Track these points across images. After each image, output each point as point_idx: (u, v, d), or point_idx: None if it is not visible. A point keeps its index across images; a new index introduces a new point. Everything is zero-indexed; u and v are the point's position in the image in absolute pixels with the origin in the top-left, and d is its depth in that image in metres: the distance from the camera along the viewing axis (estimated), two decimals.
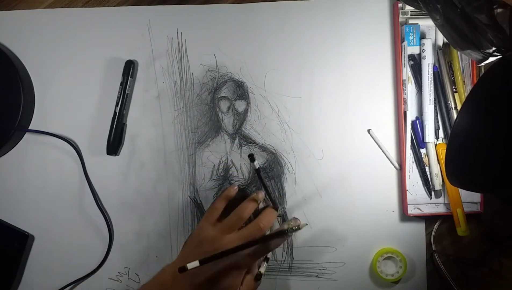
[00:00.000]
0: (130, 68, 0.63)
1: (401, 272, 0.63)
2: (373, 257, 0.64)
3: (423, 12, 0.56)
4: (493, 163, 0.47)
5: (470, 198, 0.63)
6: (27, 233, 0.64)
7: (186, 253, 0.58)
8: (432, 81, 0.62)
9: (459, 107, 0.62)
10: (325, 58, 0.65)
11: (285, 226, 0.55)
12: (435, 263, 0.64)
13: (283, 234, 0.55)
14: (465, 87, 0.63)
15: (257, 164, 0.54)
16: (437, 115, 0.63)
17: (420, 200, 0.64)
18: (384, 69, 0.65)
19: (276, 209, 0.60)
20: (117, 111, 0.63)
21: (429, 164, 0.64)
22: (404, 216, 0.64)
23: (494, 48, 0.49)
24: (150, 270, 0.65)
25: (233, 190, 0.62)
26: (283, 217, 0.65)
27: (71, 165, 0.65)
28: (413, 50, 0.63)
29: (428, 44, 0.62)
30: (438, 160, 0.63)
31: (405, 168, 0.63)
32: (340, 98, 0.65)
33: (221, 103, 0.65)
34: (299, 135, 0.65)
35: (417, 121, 0.64)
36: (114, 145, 0.64)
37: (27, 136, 0.65)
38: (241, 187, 0.64)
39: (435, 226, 0.64)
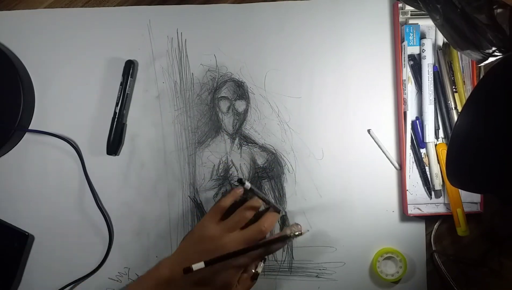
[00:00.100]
0: (130, 68, 0.63)
1: (401, 272, 0.63)
2: (373, 257, 0.64)
3: (423, 12, 0.56)
4: (493, 163, 0.48)
5: (470, 198, 0.63)
6: (27, 233, 0.64)
7: (186, 248, 0.58)
8: (432, 81, 0.62)
9: (459, 107, 0.62)
10: (325, 58, 0.65)
11: (287, 232, 0.56)
12: (435, 263, 0.64)
13: (284, 239, 0.55)
14: (465, 87, 0.63)
15: (248, 185, 0.54)
16: (437, 115, 0.63)
17: (420, 200, 0.64)
18: (384, 69, 0.65)
19: (278, 213, 0.60)
20: (117, 111, 0.63)
21: (429, 164, 0.64)
22: (404, 216, 0.64)
23: (494, 48, 0.49)
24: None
25: (240, 191, 0.62)
26: (284, 218, 0.65)
27: (71, 165, 0.65)
28: (413, 50, 0.63)
29: (428, 44, 0.62)
30: (438, 160, 0.63)
31: (405, 168, 0.63)
32: (340, 98, 0.65)
33: (221, 103, 0.65)
34: (299, 135, 0.65)
35: (417, 121, 0.64)
36: (114, 145, 0.64)
37: (27, 136, 0.65)
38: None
39: (435, 226, 0.64)
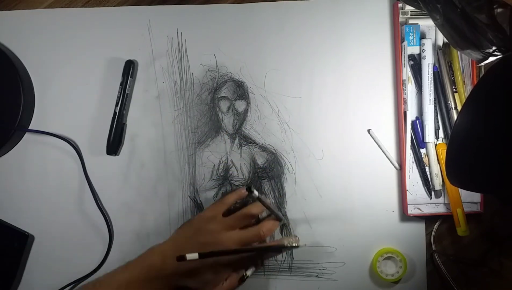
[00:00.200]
0: (130, 68, 0.63)
1: (401, 272, 0.63)
2: (373, 257, 0.64)
3: (423, 12, 0.56)
4: (493, 163, 0.48)
5: (470, 198, 0.63)
6: (27, 233, 0.64)
7: (181, 238, 0.57)
8: (432, 81, 0.62)
9: (459, 107, 0.62)
10: (325, 58, 0.65)
11: (285, 241, 0.57)
12: (435, 263, 0.64)
13: (280, 248, 0.56)
14: (465, 87, 0.63)
15: (256, 193, 0.54)
16: (437, 115, 0.63)
17: (420, 200, 0.64)
18: (384, 69, 0.65)
19: (279, 221, 0.60)
20: (117, 111, 0.63)
21: (429, 164, 0.64)
22: (404, 216, 0.64)
23: (494, 48, 0.49)
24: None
25: (245, 192, 0.62)
26: (284, 216, 0.65)
27: (71, 165, 0.65)
28: (413, 50, 0.63)
29: (428, 44, 0.62)
30: (438, 160, 0.63)
31: (405, 168, 0.63)
32: (340, 98, 0.65)
33: (221, 103, 0.65)
34: (299, 135, 0.65)
35: (417, 121, 0.64)
36: (114, 145, 0.64)
37: (27, 136, 0.65)
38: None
39: (435, 226, 0.64)
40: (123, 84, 0.63)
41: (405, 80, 0.63)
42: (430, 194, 0.64)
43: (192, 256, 0.51)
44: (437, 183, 0.63)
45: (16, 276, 0.64)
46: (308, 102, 0.65)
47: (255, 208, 0.59)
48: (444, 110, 0.63)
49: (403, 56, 0.63)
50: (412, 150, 0.64)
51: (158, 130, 0.65)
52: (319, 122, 0.65)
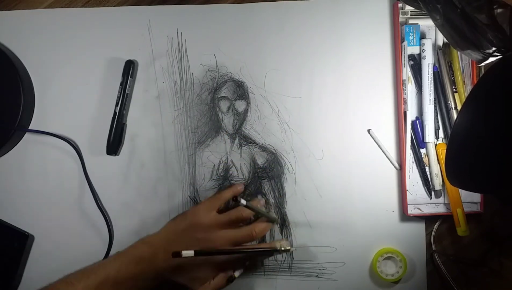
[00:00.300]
0: (130, 68, 0.63)
1: (401, 272, 0.63)
2: (373, 257, 0.64)
3: (423, 12, 0.56)
4: (493, 163, 0.48)
5: (470, 198, 0.63)
6: (27, 233, 0.64)
7: (173, 231, 0.57)
8: (432, 81, 0.62)
9: (459, 107, 0.62)
10: (325, 58, 0.65)
11: (277, 245, 0.58)
12: (435, 263, 0.64)
13: (272, 252, 0.57)
14: (465, 87, 0.63)
15: (244, 202, 0.55)
16: (437, 115, 0.63)
17: (420, 200, 0.64)
18: (384, 69, 0.65)
19: (273, 222, 0.61)
20: (117, 111, 0.63)
21: (429, 164, 0.64)
22: (404, 216, 0.64)
23: (494, 48, 0.49)
24: None
25: (240, 188, 0.63)
26: (284, 218, 0.65)
27: (71, 165, 0.65)
28: (413, 50, 0.63)
29: (428, 44, 0.62)
30: (438, 160, 0.63)
31: (405, 168, 0.63)
32: (340, 98, 0.65)
33: (221, 103, 0.65)
34: (299, 135, 0.65)
35: (417, 121, 0.64)
36: (114, 145, 0.64)
37: (27, 136, 0.65)
38: (251, 185, 0.65)
39: (435, 226, 0.64)
40: (123, 84, 0.63)
41: (405, 80, 0.63)
42: (430, 194, 0.64)
43: (188, 253, 0.51)
44: (437, 183, 0.63)
45: (16, 276, 0.64)
46: (308, 102, 0.65)
47: (248, 210, 0.59)
48: (444, 110, 0.63)
49: (403, 56, 0.63)
50: (412, 150, 0.64)
51: (158, 130, 0.65)
52: (319, 122, 0.65)
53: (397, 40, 0.64)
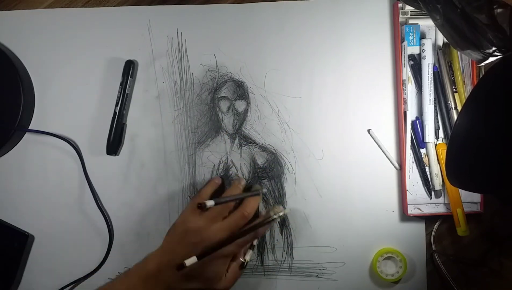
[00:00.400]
0: (130, 68, 0.63)
1: (401, 272, 0.63)
2: (373, 257, 0.64)
3: (423, 12, 0.56)
4: (493, 163, 0.48)
5: (470, 198, 0.63)
6: (27, 233, 0.64)
7: (172, 243, 0.57)
8: (432, 81, 0.62)
9: (459, 107, 0.62)
10: (325, 58, 0.65)
11: (271, 213, 0.57)
12: (435, 263, 0.64)
13: (269, 221, 0.56)
14: (465, 87, 0.63)
15: (212, 203, 0.55)
16: (437, 115, 0.63)
17: (420, 200, 0.64)
18: (384, 69, 0.65)
19: (258, 195, 0.60)
20: (117, 111, 0.63)
21: (429, 164, 0.64)
22: (404, 216, 0.64)
23: (494, 48, 0.49)
24: None
25: (218, 180, 0.63)
26: (284, 218, 0.65)
27: (71, 165, 0.65)
28: (413, 50, 0.63)
29: (428, 44, 0.62)
30: (438, 160, 0.63)
31: (405, 168, 0.63)
32: (340, 98, 0.65)
33: (221, 103, 0.65)
34: (299, 135, 0.65)
35: (417, 121, 0.64)
36: (114, 145, 0.64)
37: (27, 136, 0.65)
38: (222, 175, 0.65)
39: (435, 226, 0.64)
40: (123, 84, 0.63)
41: (405, 80, 0.63)
42: (430, 194, 0.64)
43: (191, 261, 0.51)
44: (437, 183, 0.63)
45: (16, 276, 0.64)
46: (308, 102, 0.65)
47: (231, 193, 0.60)
48: (444, 110, 0.63)
49: (403, 56, 0.63)
50: (412, 150, 0.64)
51: (158, 130, 0.65)
52: (319, 122, 0.65)
53: (397, 40, 0.64)
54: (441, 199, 0.64)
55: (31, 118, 0.65)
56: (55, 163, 0.65)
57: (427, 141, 0.63)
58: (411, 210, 0.64)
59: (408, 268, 0.64)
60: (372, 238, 0.65)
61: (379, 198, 0.65)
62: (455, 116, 0.62)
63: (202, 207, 0.53)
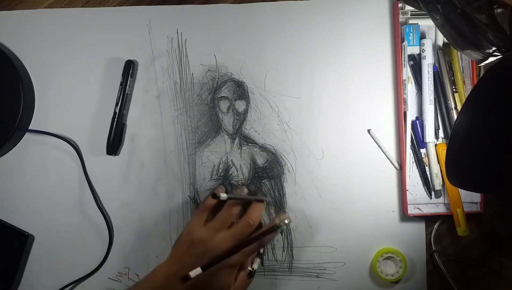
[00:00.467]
0: (130, 68, 0.63)
1: (401, 272, 0.63)
2: (373, 257, 0.64)
3: (423, 12, 0.56)
4: (493, 163, 0.48)
5: (470, 198, 0.63)
6: (27, 233, 0.64)
7: (178, 254, 0.57)
8: (432, 81, 0.62)
9: (459, 107, 0.62)
10: (325, 58, 0.65)
11: (277, 221, 0.57)
12: (435, 263, 0.64)
13: (275, 229, 0.56)
14: (465, 87, 0.63)
15: (224, 196, 0.55)
16: (437, 115, 0.63)
17: (420, 200, 0.64)
18: (384, 69, 0.65)
19: (262, 202, 0.60)
20: (117, 111, 0.63)
21: (429, 164, 0.64)
22: (404, 216, 0.64)
23: (494, 48, 0.49)
24: (150, 270, 0.64)
25: (222, 190, 0.63)
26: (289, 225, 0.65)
27: (71, 165, 0.65)
28: (413, 50, 0.63)
29: (428, 44, 0.62)
30: (438, 160, 0.63)
31: (405, 168, 0.63)
32: (340, 98, 0.65)
33: (221, 103, 0.65)
34: (299, 135, 0.65)
35: (417, 121, 0.64)
36: (114, 145, 0.64)
37: (27, 136, 0.65)
38: (222, 176, 0.65)
39: (435, 226, 0.64)
40: (123, 84, 0.63)
41: (405, 80, 0.63)
42: (430, 194, 0.64)
43: (195, 272, 0.51)
44: (437, 183, 0.63)
45: (16, 276, 0.64)
46: (308, 102, 0.65)
47: (235, 207, 0.59)
48: (444, 110, 0.63)
49: (403, 56, 0.63)
50: (412, 150, 0.64)
51: (158, 130, 0.65)
52: (319, 122, 0.65)
53: (397, 40, 0.64)
54: (441, 199, 0.64)
55: (31, 118, 0.65)
56: (55, 163, 0.65)
57: (427, 141, 0.63)
58: (411, 210, 0.64)
59: (408, 268, 0.64)
60: (372, 238, 0.65)
61: (379, 198, 0.65)
62: (455, 116, 0.62)
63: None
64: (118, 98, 0.63)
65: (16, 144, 0.65)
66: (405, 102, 0.63)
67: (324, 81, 0.65)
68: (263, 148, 0.65)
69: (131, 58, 0.64)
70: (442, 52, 0.63)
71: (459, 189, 0.62)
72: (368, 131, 0.65)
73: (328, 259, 0.65)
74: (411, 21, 0.63)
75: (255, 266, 0.59)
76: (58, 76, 0.65)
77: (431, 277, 0.65)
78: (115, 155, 0.65)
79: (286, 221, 0.56)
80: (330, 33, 0.65)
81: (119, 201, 0.65)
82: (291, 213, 0.65)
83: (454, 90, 0.62)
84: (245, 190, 0.63)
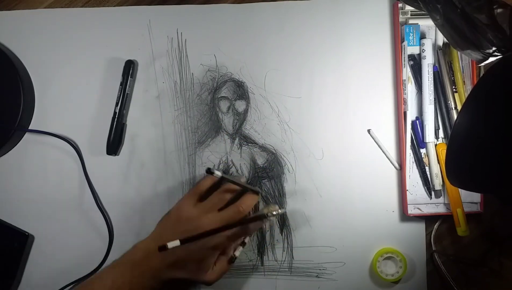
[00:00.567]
0: (130, 68, 0.63)
1: (401, 272, 0.63)
2: (373, 257, 0.64)
3: (423, 12, 0.56)
4: (493, 163, 0.48)
5: (470, 198, 0.63)
6: (27, 233, 0.64)
7: (162, 230, 0.57)
8: (432, 81, 0.62)
9: (459, 107, 0.62)
10: (325, 58, 0.65)
11: (265, 211, 0.57)
12: (435, 263, 0.64)
13: (262, 218, 0.56)
14: (465, 87, 0.63)
15: (218, 173, 0.54)
16: (437, 115, 0.63)
17: (420, 200, 0.64)
18: (384, 69, 0.65)
19: (257, 194, 0.60)
20: (117, 111, 0.63)
21: (429, 164, 0.64)
22: (404, 216, 0.64)
23: (494, 48, 0.49)
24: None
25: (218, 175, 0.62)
26: (284, 218, 0.65)
27: (71, 165, 0.65)
28: (413, 50, 0.63)
29: (428, 44, 0.62)
30: (438, 160, 0.63)
31: (405, 168, 0.63)
32: (340, 98, 0.65)
33: (221, 103, 0.65)
34: (299, 135, 0.65)
35: (417, 121, 0.64)
36: (114, 145, 0.64)
37: (27, 136, 0.65)
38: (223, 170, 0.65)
39: (435, 226, 0.64)
40: (123, 84, 0.63)
41: (405, 80, 0.63)
42: (430, 194, 0.64)
43: (173, 243, 0.50)
44: (437, 183, 0.63)
45: (16, 276, 0.64)
46: (308, 102, 0.65)
47: (229, 187, 0.59)
48: (444, 110, 0.63)
49: (403, 56, 0.63)
50: (412, 150, 0.64)
51: (158, 130, 0.65)
52: (319, 122, 0.65)
53: (397, 40, 0.64)
54: (441, 199, 0.64)
55: (31, 118, 0.65)
56: (55, 163, 0.65)
57: (427, 141, 0.63)
58: (411, 210, 0.64)
59: (408, 268, 0.64)
60: (372, 238, 0.65)
61: (379, 198, 0.65)
62: (455, 116, 0.62)
63: (211, 172, 0.51)
64: (118, 98, 0.63)
65: (16, 144, 0.65)
66: (405, 102, 0.63)
67: (324, 81, 0.65)
68: (263, 148, 0.65)
69: (131, 58, 0.64)
70: (442, 52, 0.63)
71: (459, 189, 0.62)
72: (368, 131, 0.65)
73: (328, 259, 0.65)
74: (411, 21, 0.63)
75: (237, 253, 0.59)
76: (58, 76, 0.65)
77: (431, 277, 0.65)
78: (115, 155, 0.65)
79: (274, 212, 0.56)
80: (330, 33, 0.65)
81: (119, 201, 0.65)
82: (291, 213, 0.65)
83: (454, 90, 0.62)
84: (243, 179, 0.63)
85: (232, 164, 0.65)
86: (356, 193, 0.65)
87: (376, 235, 0.65)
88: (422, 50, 0.63)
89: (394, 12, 0.64)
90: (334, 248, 0.65)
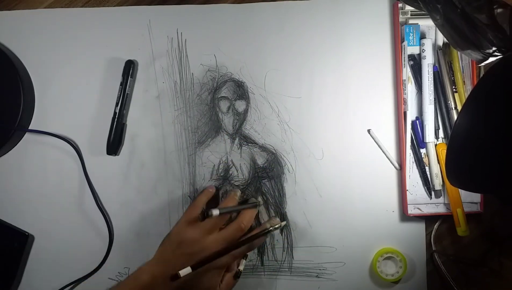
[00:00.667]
0: (130, 68, 0.63)
1: (401, 272, 0.63)
2: (373, 257, 0.64)
3: (423, 12, 0.56)
4: (493, 163, 0.48)
5: (470, 198, 0.63)
6: (27, 233, 0.64)
7: (166, 254, 0.57)
8: (432, 81, 0.62)
9: (459, 107, 0.62)
10: (325, 58, 0.65)
11: (267, 225, 0.58)
12: (435, 263, 0.64)
13: (265, 233, 0.57)
14: (465, 87, 0.63)
15: (216, 212, 0.54)
16: (437, 115, 0.63)
17: (420, 200, 0.64)
18: (384, 69, 0.65)
19: (255, 207, 0.60)
20: (117, 111, 0.63)
21: (429, 164, 0.64)
22: (404, 216, 0.64)
23: (494, 48, 0.49)
24: None
25: (212, 189, 0.63)
26: (284, 216, 0.65)
27: (71, 165, 0.65)
28: (413, 50, 0.63)
29: (428, 44, 0.62)
30: (438, 160, 0.63)
31: (405, 168, 0.63)
32: (340, 98, 0.65)
33: (221, 103, 0.65)
34: (299, 135, 0.65)
35: (417, 121, 0.64)
36: (114, 145, 0.64)
37: (27, 136, 0.65)
38: (219, 187, 0.65)
39: (435, 226, 0.64)
40: (123, 84, 0.63)
41: (405, 80, 0.63)
42: (430, 194, 0.64)
43: (185, 271, 0.51)
44: (437, 183, 0.63)
45: (16, 276, 0.64)
46: (308, 102, 0.65)
47: (227, 203, 0.60)
48: (444, 110, 0.63)
49: (403, 56, 0.63)
50: (412, 150, 0.64)
51: (158, 130, 0.65)
52: (319, 122, 0.65)
53: (397, 40, 0.64)
54: (441, 199, 0.64)
55: (31, 118, 0.65)
56: (55, 163, 0.65)
57: (427, 141, 0.63)
58: (411, 210, 0.64)
59: (408, 268, 0.64)
60: (372, 238, 0.65)
61: (379, 198, 0.65)
62: (455, 116, 0.62)
63: (208, 215, 0.52)
64: (118, 98, 0.63)
65: (16, 144, 0.65)
66: (405, 102, 0.63)
67: (324, 81, 0.65)
68: (263, 148, 0.65)
69: (131, 58, 0.64)
70: (442, 52, 0.63)
71: (459, 189, 0.62)
72: (368, 131, 0.65)
73: (328, 259, 0.65)
74: (411, 21, 0.63)
75: (241, 267, 0.59)
76: (58, 76, 0.65)
77: (431, 277, 0.65)
78: (115, 155, 0.65)
79: (276, 226, 0.58)
80: (330, 33, 0.65)
81: (119, 201, 0.65)
82: (291, 213, 0.65)
83: (454, 90, 0.62)
84: (239, 193, 0.63)
85: (232, 164, 0.65)
86: (356, 193, 0.65)
87: (376, 235, 0.65)
88: (422, 50, 0.63)
89: (394, 12, 0.64)
90: (334, 248, 0.65)
